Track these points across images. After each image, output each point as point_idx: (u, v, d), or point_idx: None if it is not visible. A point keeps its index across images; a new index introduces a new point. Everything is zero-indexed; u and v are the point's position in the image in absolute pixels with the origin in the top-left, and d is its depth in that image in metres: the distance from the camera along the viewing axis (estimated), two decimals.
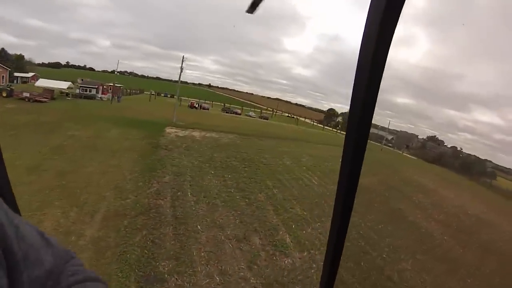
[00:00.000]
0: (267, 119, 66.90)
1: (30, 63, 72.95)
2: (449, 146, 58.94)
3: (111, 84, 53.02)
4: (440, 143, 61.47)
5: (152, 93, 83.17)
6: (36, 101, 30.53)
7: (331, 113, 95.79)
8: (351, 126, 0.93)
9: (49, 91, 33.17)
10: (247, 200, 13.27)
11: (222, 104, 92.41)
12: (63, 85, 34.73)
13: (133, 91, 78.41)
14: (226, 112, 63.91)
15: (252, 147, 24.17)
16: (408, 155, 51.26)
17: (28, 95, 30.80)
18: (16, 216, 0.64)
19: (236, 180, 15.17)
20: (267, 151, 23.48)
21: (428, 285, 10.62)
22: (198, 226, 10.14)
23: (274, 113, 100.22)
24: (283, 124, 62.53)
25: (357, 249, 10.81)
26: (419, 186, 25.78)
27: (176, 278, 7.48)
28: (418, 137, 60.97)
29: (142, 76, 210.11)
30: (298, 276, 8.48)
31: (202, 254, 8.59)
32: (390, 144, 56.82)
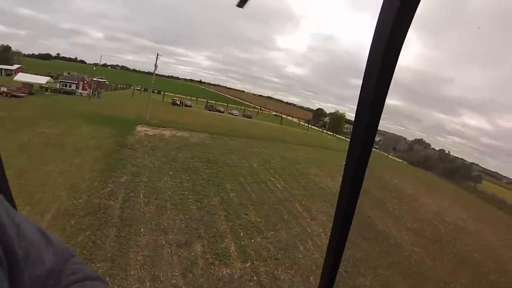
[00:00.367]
0: (250, 118, 66.77)
1: (17, 53, 71.85)
2: (437, 149, 59.76)
3: (94, 79, 52.63)
4: (427, 146, 61.94)
5: (138, 88, 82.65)
6: (13, 96, 30.23)
7: (319, 112, 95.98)
8: (357, 130, 0.92)
9: (28, 85, 32.87)
10: (199, 204, 13.02)
11: (211, 101, 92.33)
12: (42, 80, 34.38)
13: (120, 86, 77.69)
14: (209, 110, 63.28)
15: (221, 147, 23.92)
16: (394, 158, 51.15)
17: (5, 89, 30.43)
18: (17, 214, 0.65)
19: (193, 182, 14.96)
20: (236, 152, 23.22)
21: None
22: (142, 229, 10.14)
23: (261, 111, 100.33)
24: (266, 123, 62.14)
25: (310, 262, 10.33)
26: (396, 191, 24.86)
27: (107, 281, 7.69)
28: (406, 139, 61.91)
29: (134, 70, 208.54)
30: None
31: (139, 258, 8.58)
32: (377, 146, 57.31)
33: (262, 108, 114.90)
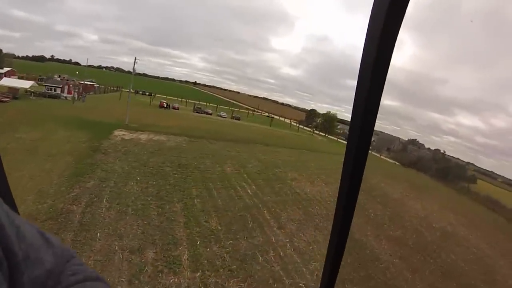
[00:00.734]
0: (238, 120, 66.29)
1: (8, 56, 71.63)
2: (432, 148, 59.45)
3: (82, 82, 52.54)
4: (421, 146, 60.97)
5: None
6: None
7: (312, 113, 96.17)
8: (353, 132, 0.92)
9: (14, 90, 32.97)
10: (160, 209, 12.89)
11: (203, 103, 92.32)
12: (26, 84, 34.45)
13: (111, 88, 77.50)
14: (197, 112, 62.89)
15: (197, 151, 23.63)
16: (387, 159, 50.77)
17: None
18: (17, 216, 0.65)
19: (159, 188, 14.87)
20: (212, 156, 22.98)
21: None
22: (98, 234, 10.23)
23: (253, 113, 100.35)
24: (254, 125, 61.88)
25: (268, 274, 9.92)
26: (382, 195, 23.67)
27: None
28: (400, 139, 60.99)
29: (129, 72, 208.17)
30: None
31: (90, 262, 8.59)
32: (370, 147, 56.86)
33: (255, 110, 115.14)
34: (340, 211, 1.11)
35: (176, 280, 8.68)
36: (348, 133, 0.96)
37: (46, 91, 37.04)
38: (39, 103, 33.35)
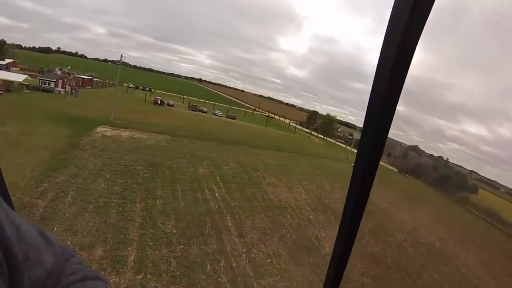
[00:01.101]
0: (234, 119, 65.67)
1: (12, 46, 72.27)
2: (436, 155, 58.95)
3: (79, 76, 52.88)
4: (422, 153, 60.51)
5: (131, 86, 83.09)
6: None
7: (313, 115, 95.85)
8: (366, 136, 0.90)
9: (8, 83, 33.54)
10: (120, 208, 12.99)
11: (202, 100, 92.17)
12: (19, 78, 35.12)
13: (112, 82, 77.58)
14: (192, 110, 62.24)
15: (175, 150, 23.37)
16: (386, 164, 48.88)
17: None
18: (16, 215, 0.65)
19: (125, 186, 15.07)
20: (188, 156, 22.67)
21: None
22: (55, 228, 10.52)
23: (252, 112, 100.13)
24: (249, 124, 61.35)
25: (212, 286, 9.70)
26: (367, 204, 22.60)
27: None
28: (402, 145, 60.06)
29: (134, 67, 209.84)
30: None
31: None
32: None
33: (256, 109, 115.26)
34: (347, 216, 1.09)
35: (116, 280, 8.76)
36: (359, 138, 0.93)
37: (40, 84, 37.73)
38: (30, 97, 33.98)
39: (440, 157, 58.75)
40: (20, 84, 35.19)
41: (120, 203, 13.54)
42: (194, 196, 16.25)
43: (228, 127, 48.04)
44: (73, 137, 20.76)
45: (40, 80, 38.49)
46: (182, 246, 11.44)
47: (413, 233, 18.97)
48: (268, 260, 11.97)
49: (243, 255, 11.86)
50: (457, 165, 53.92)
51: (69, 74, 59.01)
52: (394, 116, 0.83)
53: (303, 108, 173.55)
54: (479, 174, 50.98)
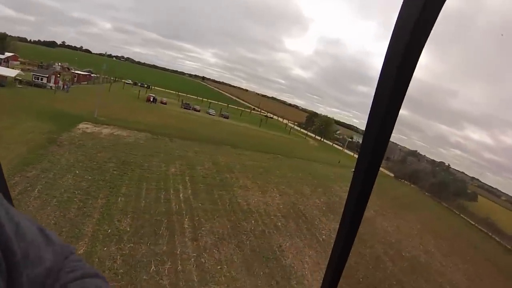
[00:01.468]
0: (227, 118, 65.25)
1: (14, 39, 72.78)
2: (438, 160, 58.49)
3: (75, 72, 53.64)
4: (421, 158, 60.17)
5: (129, 82, 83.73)
6: None
7: (313, 116, 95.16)
8: (368, 139, 0.89)
9: (2, 77, 33.99)
10: (81, 204, 13.34)
11: (200, 98, 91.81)
12: (12, 73, 35.94)
13: (113, 78, 78.06)
14: (185, 108, 62.00)
15: (151, 148, 23.39)
16: (383, 169, 48.31)
17: None
18: (16, 212, 0.64)
19: (92, 183, 15.48)
20: (163, 155, 22.69)
21: None
22: None
23: (249, 111, 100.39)
24: (242, 124, 60.90)
25: (152, 287, 9.71)
26: None
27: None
28: (401, 149, 59.40)
29: (138, 63, 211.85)
30: None
31: None
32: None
33: (255, 108, 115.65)
34: (347, 218, 1.08)
35: None
36: (362, 142, 0.94)
37: (33, 79, 38.64)
38: (22, 92, 34.51)
39: (442, 163, 58.66)
40: (14, 78, 36.00)
41: (83, 198, 14.04)
42: (157, 195, 16.39)
43: (216, 127, 47.70)
44: (53, 133, 21.30)
45: (34, 75, 39.25)
46: (132, 245, 11.65)
47: (396, 245, 18.00)
48: (218, 267, 11.79)
49: (192, 259, 11.77)
50: (458, 171, 53.81)
51: (68, 69, 60.02)
52: (397, 120, 0.83)
53: (306, 110, 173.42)
54: (480, 181, 50.85)
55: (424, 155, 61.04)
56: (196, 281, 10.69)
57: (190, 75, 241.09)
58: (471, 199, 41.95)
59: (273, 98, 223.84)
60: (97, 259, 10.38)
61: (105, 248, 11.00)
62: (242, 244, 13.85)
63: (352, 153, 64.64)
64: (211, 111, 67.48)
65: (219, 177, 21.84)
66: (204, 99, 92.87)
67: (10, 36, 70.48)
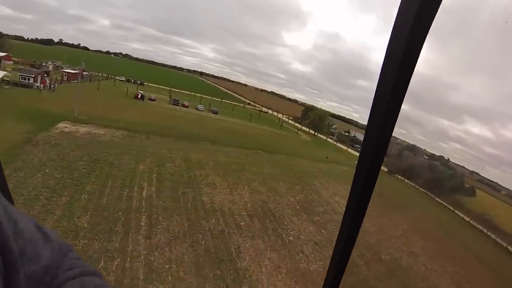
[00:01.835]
0: (216, 113, 65.06)
1: (10, 38, 73.02)
2: (438, 154, 59.29)
3: (65, 70, 54.12)
4: (418, 153, 60.36)
5: (122, 79, 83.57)
6: None
7: (308, 110, 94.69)
8: (370, 134, 0.89)
9: None
10: (46, 201, 13.91)
11: (198, 95, 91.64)
12: None
13: (106, 76, 78.48)
14: (174, 104, 61.83)
15: (124, 146, 23.56)
16: None
17: None
18: (15, 209, 0.65)
19: (59, 181, 16.10)
20: (135, 152, 22.89)
21: None
22: None
23: (243, 106, 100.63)
24: (230, 119, 60.55)
25: None
26: (326, 211, 20.53)
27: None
28: (399, 143, 58.50)
29: (137, 59, 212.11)
30: None
31: None
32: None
33: (251, 103, 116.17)
34: (349, 216, 1.07)
35: None
36: (363, 138, 0.92)
37: (20, 80, 39.19)
38: (7, 93, 34.88)
39: (441, 157, 59.56)
40: (1, 79, 36.79)
41: (48, 196, 14.75)
42: (121, 193, 16.70)
43: (202, 123, 47.36)
44: (31, 133, 21.92)
45: (20, 76, 39.86)
46: (86, 241, 12.00)
47: (375, 247, 17.07)
48: (166, 266, 11.82)
49: (142, 257, 11.88)
50: (458, 165, 54.48)
51: (61, 68, 60.52)
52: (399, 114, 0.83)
53: (305, 104, 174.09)
54: (480, 175, 51.55)
55: (424, 149, 61.81)
56: (142, 279, 10.87)
57: (189, 71, 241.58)
58: (469, 195, 42.00)
59: (271, 93, 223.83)
60: None
61: None
62: (197, 244, 13.83)
63: (345, 147, 64.91)
64: (200, 106, 67.16)
65: (187, 174, 21.86)
66: (198, 94, 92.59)
67: (6, 35, 71.01)
